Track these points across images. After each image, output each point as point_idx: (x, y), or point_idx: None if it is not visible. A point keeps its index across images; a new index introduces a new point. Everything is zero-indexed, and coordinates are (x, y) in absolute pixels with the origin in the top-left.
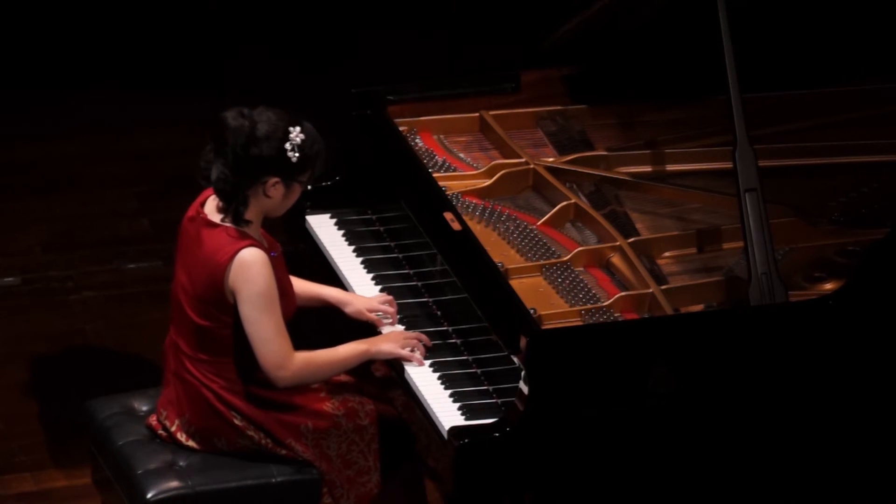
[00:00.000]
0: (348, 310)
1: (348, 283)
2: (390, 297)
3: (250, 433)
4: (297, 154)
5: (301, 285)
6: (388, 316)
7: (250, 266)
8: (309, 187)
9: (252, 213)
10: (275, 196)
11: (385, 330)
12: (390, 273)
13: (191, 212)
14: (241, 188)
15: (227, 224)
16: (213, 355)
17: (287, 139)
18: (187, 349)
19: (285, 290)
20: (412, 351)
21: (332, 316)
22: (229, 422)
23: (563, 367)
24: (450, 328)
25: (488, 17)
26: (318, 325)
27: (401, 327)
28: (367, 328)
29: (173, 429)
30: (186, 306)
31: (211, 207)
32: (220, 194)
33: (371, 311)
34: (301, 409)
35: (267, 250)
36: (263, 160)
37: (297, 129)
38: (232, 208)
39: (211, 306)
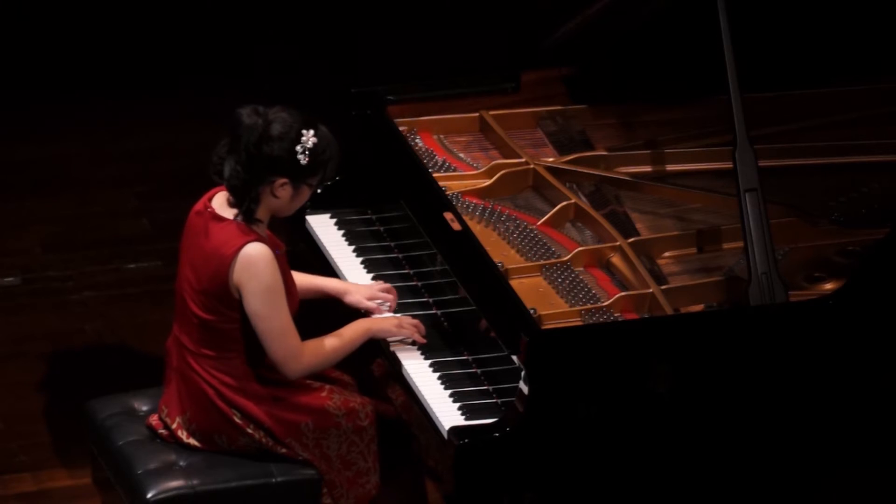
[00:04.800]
0: (348, 299)
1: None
2: (388, 286)
3: (250, 431)
4: (307, 157)
5: (299, 278)
6: (387, 304)
7: (255, 261)
8: (318, 191)
9: (261, 213)
10: (283, 197)
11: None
12: (390, 273)
13: (198, 206)
14: (252, 186)
15: (234, 218)
16: (218, 350)
17: (299, 141)
18: (190, 345)
19: (288, 289)
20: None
21: (326, 305)
22: (230, 420)
23: (563, 367)
24: (450, 328)
25: (488, 16)
26: (308, 311)
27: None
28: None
29: (174, 426)
30: (190, 300)
31: (219, 202)
32: (233, 191)
33: (370, 298)
34: (302, 407)
35: (272, 248)
36: (273, 160)
37: (311, 132)
38: (245, 206)
39: (215, 300)
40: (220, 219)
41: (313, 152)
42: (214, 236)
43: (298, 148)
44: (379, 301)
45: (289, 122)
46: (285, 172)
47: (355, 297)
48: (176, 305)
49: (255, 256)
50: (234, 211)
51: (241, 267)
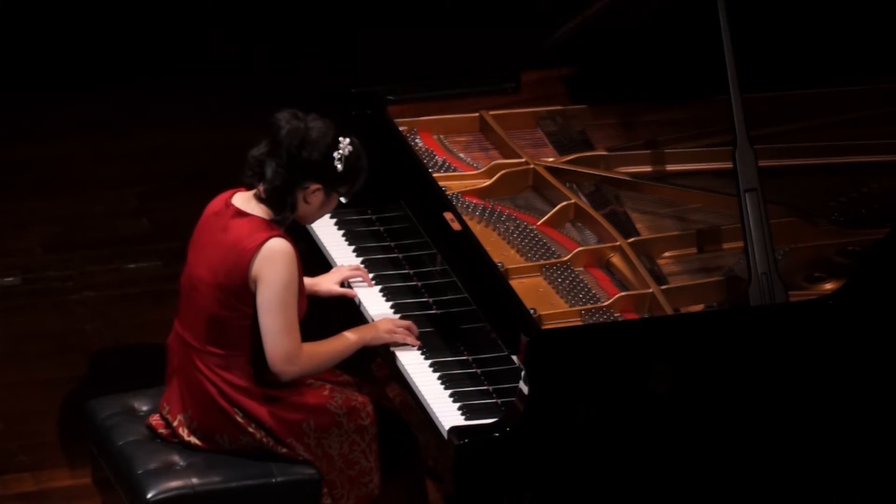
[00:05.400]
0: (321, 290)
1: (348, 283)
2: (356, 264)
3: (251, 430)
4: (342, 164)
5: None
6: (363, 281)
7: (278, 256)
8: (344, 200)
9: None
10: (313, 203)
11: (371, 309)
12: (390, 273)
13: (216, 207)
14: (291, 188)
15: (259, 215)
16: (225, 349)
17: (336, 148)
18: (195, 342)
19: (300, 291)
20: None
21: (326, 308)
22: (231, 419)
23: (563, 367)
24: (450, 328)
25: (488, 16)
26: (312, 314)
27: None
28: (356, 318)
29: (175, 423)
30: (204, 296)
31: (242, 201)
32: (273, 193)
33: (341, 281)
34: (303, 406)
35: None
36: (312, 164)
37: (347, 140)
38: (286, 210)
39: (231, 295)
40: (245, 214)
41: (348, 160)
42: (237, 230)
43: (336, 154)
44: (355, 280)
45: (324, 129)
46: (320, 178)
47: (326, 287)
48: (180, 304)
49: (279, 251)
50: (261, 208)
51: (263, 259)
